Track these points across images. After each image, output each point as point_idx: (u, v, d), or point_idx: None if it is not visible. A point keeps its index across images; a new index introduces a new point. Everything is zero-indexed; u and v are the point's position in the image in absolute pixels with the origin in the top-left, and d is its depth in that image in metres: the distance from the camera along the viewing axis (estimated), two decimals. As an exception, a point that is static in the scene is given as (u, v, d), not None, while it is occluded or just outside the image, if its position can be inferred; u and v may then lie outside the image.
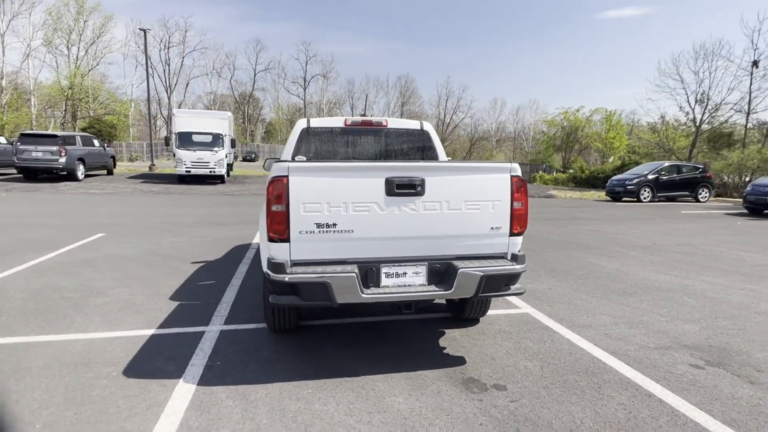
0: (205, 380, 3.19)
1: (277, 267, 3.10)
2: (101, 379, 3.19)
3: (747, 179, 23.00)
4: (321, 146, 4.80)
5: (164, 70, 64.60)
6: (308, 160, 4.68)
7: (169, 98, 65.61)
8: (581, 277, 6.06)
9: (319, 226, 3.12)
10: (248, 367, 3.40)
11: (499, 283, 3.30)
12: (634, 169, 21.76)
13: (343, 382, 3.18)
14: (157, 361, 3.48)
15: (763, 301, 5.10)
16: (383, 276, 3.24)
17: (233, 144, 26.78)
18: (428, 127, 5.08)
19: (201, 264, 6.62)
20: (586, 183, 30.70)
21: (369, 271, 3.21)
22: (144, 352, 3.63)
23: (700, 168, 20.59)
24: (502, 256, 3.42)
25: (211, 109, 60.16)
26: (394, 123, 4.96)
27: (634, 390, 3.08)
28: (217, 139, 23.46)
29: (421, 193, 3.19)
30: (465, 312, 4.28)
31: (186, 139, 22.92)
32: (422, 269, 3.29)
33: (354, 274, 3.08)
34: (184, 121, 23.88)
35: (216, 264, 6.65)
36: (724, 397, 2.99)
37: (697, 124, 30.27)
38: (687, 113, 32.01)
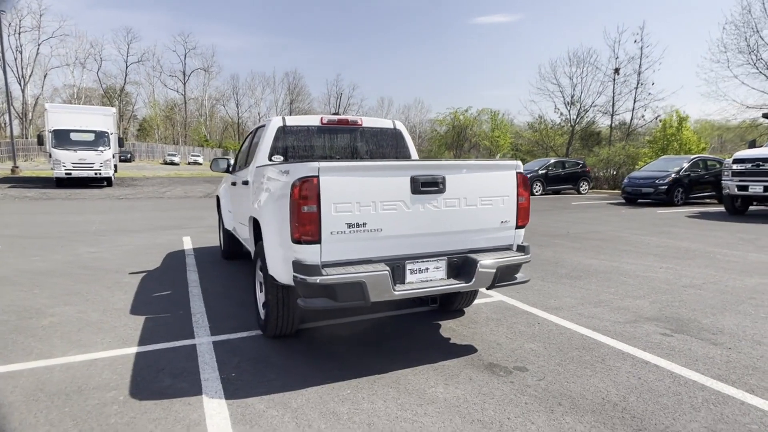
0: (231, 393, 3.01)
1: (308, 269, 3.02)
2: (110, 405, 2.87)
3: (614, 173, 26.27)
4: (298, 145, 4.69)
5: (15, 59, 56.72)
6: (285, 159, 4.57)
7: (23, 91, 57.78)
8: (528, 266, 6.59)
9: (349, 225, 3.10)
10: (267, 376, 3.27)
11: (511, 273, 3.54)
12: (525, 165, 23.79)
13: (376, 380, 3.20)
14: (162, 380, 3.20)
15: (683, 276, 5.97)
16: (408, 272, 3.31)
17: (121, 143, 24.49)
18: (400, 126, 5.19)
19: (141, 274, 6.09)
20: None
21: (396, 268, 3.25)
22: (141, 373, 3.31)
23: (580, 163, 23.09)
24: (509, 248, 3.66)
25: (73, 104, 54.06)
26: (369, 122, 5.00)
27: (632, 359, 3.49)
28: (101, 138, 21.34)
29: (442, 191, 3.31)
30: (454, 304, 4.48)
31: (64, 138, 20.54)
32: (442, 264, 3.41)
33: (387, 272, 3.12)
34: (61, 118, 21.33)
35: (158, 274, 6.15)
36: (702, 357, 3.52)
37: (572, 124, 33.85)
38: (561, 114, 35.67)
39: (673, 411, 2.78)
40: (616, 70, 33.01)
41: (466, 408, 2.82)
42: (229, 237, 6.73)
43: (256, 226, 4.22)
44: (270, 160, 4.56)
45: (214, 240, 8.58)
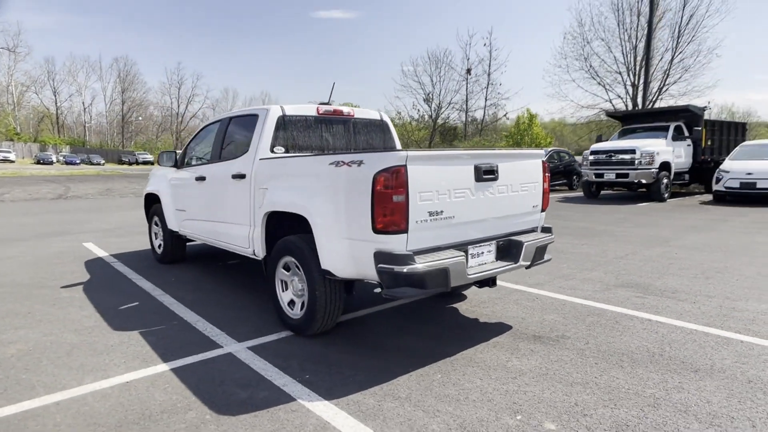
0: (327, 394, 2.88)
1: (396, 259, 3.02)
2: (205, 425, 2.57)
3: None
4: (297, 136, 4.49)
5: None
6: (287, 151, 4.37)
7: None
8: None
9: (431, 214, 3.16)
10: (343, 372, 3.17)
11: (542, 253, 3.91)
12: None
13: (453, 362, 3.31)
14: (234, 392, 2.93)
15: (607, 251, 7.02)
16: (469, 257, 3.47)
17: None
18: (386, 117, 5.25)
19: (77, 287, 5.27)
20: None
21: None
22: (200, 388, 2.97)
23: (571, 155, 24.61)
24: (535, 230, 4.03)
25: None
26: (359, 113, 4.98)
27: (636, 319, 4.11)
28: None
29: (496, 178, 3.53)
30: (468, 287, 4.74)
31: None
32: (492, 247, 3.64)
33: (463, 258, 3.25)
34: None
35: (99, 286, 5.38)
36: (682, 311, 4.29)
37: (433, 119, 36.31)
38: (419, 110, 37.99)
39: (703, 353, 3.39)
40: (468, 71, 36.24)
41: (555, 374, 3.10)
42: (173, 240, 6.08)
43: (279, 222, 3.98)
44: (272, 151, 4.30)
45: (128, 244, 7.63)
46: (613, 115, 18.58)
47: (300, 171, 3.74)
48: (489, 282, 3.83)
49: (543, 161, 3.98)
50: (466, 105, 35.32)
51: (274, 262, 3.97)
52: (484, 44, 33.93)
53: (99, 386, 3.01)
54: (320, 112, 4.62)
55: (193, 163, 5.61)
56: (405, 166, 2.99)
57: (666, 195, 13.75)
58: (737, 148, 14.57)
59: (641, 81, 22.81)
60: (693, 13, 21.45)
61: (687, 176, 15.16)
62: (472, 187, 3.39)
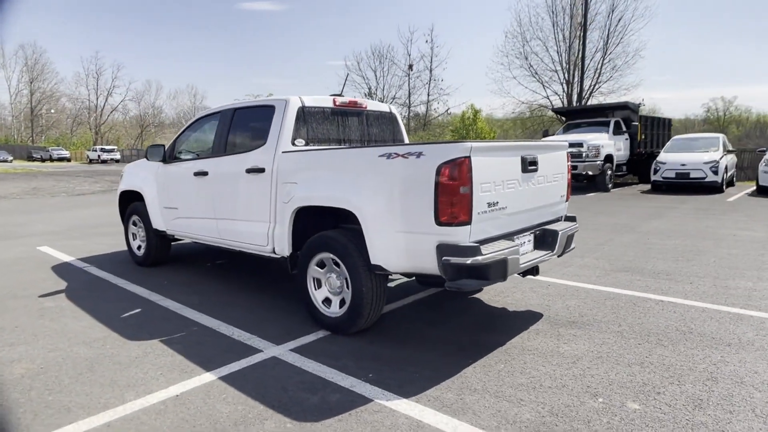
0: (403, 392, 2.80)
1: (462, 250, 2.99)
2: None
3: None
4: (316, 128, 4.32)
5: None
6: (306, 143, 4.21)
7: None
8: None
9: (489, 205, 3.16)
10: (405, 369, 3.10)
11: (571, 241, 4.04)
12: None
13: (506, 351, 3.34)
14: (304, 397, 2.79)
15: (587, 238, 7.35)
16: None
17: None
18: (394, 110, 5.18)
19: (58, 296, 4.81)
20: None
21: None
22: (263, 396, 2.80)
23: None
24: (560, 219, 4.14)
25: None
26: (371, 105, 4.87)
27: (650, 301, 4.35)
28: None
29: (537, 170, 3.60)
30: None
31: None
32: (531, 237, 3.71)
33: (518, 247, 3.29)
34: None
35: (83, 293, 4.94)
36: (685, 291, 4.59)
37: (376, 114, 36.30)
38: None
39: (725, 329, 3.65)
40: (410, 66, 36.59)
41: (608, 356, 3.22)
42: (157, 240, 5.67)
43: (309, 218, 3.82)
44: (293, 144, 4.11)
45: (91, 247, 7.02)
46: (559, 110, 19.54)
47: (342, 164, 3.60)
48: (533, 271, 3.89)
49: (567, 153, 4.10)
50: (409, 100, 35.69)
51: (305, 259, 3.80)
52: (426, 41, 34.28)
53: (147, 402, 2.75)
54: (337, 103, 4.47)
55: (185, 157, 5.24)
56: (469, 157, 2.97)
57: (610, 185, 14.66)
58: (670, 141, 15.81)
59: (576, 79, 24.20)
60: (621, 17, 22.99)
61: (625, 168, 16.24)
62: (519, 178, 3.42)
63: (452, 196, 2.95)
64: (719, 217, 9.16)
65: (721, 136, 15.21)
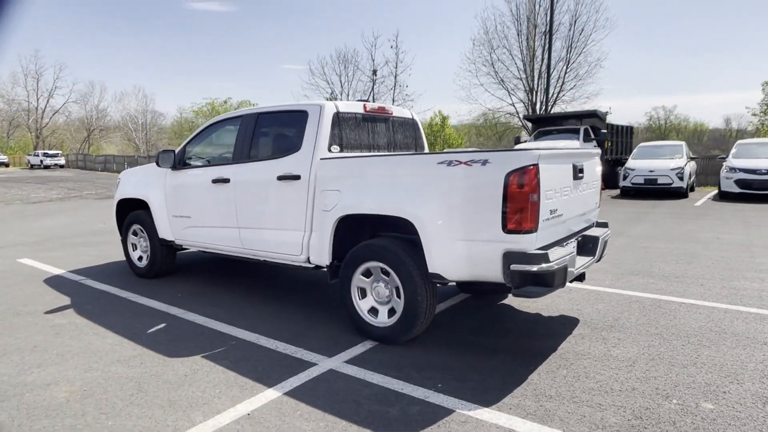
0: (480, 401, 2.79)
1: (528, 258, 3.02)
2: None
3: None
4: (349, 134, 4.25)
5: None
6: (341, 150, 4.15)
7: None
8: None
9: (551, 212, 3.20)
10: (471, 378, 3.09)
11: (606, 247, 4.14)
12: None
13: (562, 357, 3.38)
14: (383, 410, 2.73)
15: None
16: (566, 253, 3.57)
17: None
18: (416, 116, 5.17)
19: (65, 311, 4.52)
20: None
21: None
22: (342, 411, 2.72)
23: None
24: (593, 225, 4.24)
25: None
26: (396, 111, 4.85)
27: (673, 303, 4.51)
28: None
29: (583, 177, 3.68)
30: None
31: None
32: (575, 243, 3.78)
33: (574, 254, 3.34)
34: None
35: (92, 309, 4.68)
36: (700, 294, 4.79)
37: (340, 120, 36.14)
38: None
39: (754, 328, 3.84)
40: (374, 72, 36.64)
41: (661, 358, 3.31)
42: (163, 251, 5.42)
43: (353, 227, 3.76)
44: (329, 150, 4.04)
45: (80, 259, 6.63)
46: (530, 118, 20.09)
47: (395, 171, 3.54)
48: (580, 277, 3.96)
49: (599, 159, 4.22)
50: (373, 106, 35.70)
51: (350, 268, 3.72)
52: (391, 46, 34.41)
53: (219, 423, 2.61)
54: (367, 109, 4.42)
55: (198, 163, 5.04)
56: (537, 165, 3.00)
57: (581, 191, 15.16)
58: (637, 148, 16.55)
59: (542, 88, 25.01)
60: (582, 27, 23.96)
61: (593, 174, 16.84)
62: (572, 185, 3.49)
63: (521, 203, 2.97)
64: (696, 221, 9.65)
65: (683, 143, 16.07)
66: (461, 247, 3.19)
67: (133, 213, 5.66)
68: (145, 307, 4.58)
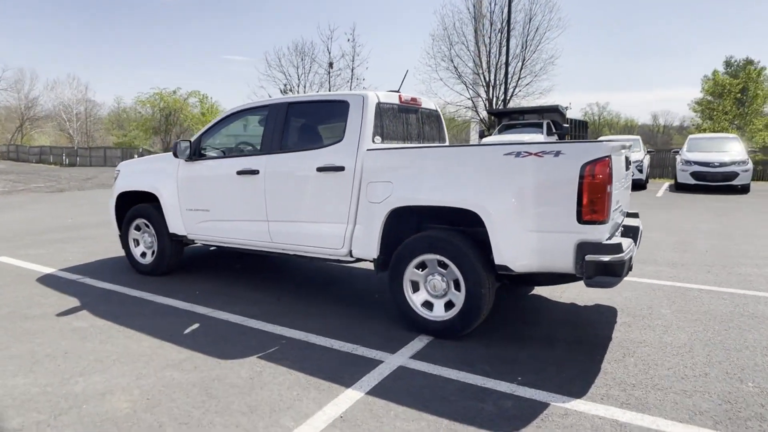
0: (568, 392, 2.79)
1: (601, 248, 3.05)
2: None
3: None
4: (387, 125, 4.14)
5: None
6: (383, 141, 4.05)
7: None
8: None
9: (616, 203, 3.25)
10: (545, 368, 3.10)
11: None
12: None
13: (620, 345, 3.44)
14: (477, 406, 2.68)
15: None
16: (620, 244, 3.64)
17: None
18: (438, 107, 5.11)
19: (75, 313, 4.17)
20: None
21: None
22: (438, 409, 2.65)
23: None
24: (625, 215, 4.35)
25: None
26: (424, 103, 4.77)
27: (693, 290, 4.70)
28: None
29: (629, 168, 3.76)
30: None
31: None
32: (619, 234, 3.86)
33: (633, 244, 3.41)
34: None
35: (108, 309, 4.38)
36: (713, 280, 5.02)
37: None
38: None
39: (779, 312, 4.09)
40: (330, 64, 36.13)
41: (716, 343, 3.44)
42: (173, 246, 5.11)
43: (400, 220, 3.67)
44: (373, 141, 3.92)
45: (65, 255, 6.15)
46: (495, 112, 20.43)
47: (455, 162, 3.47)
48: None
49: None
50: (331, 98, 35.24)
51: (402, 261, 3.63)
52: (348, 39, 34.01)
53: (316, 427, 2.49)
54: (402, 100, 4.32)
55: (217, 155, 4.77)
56: (610, 156, 3.02)
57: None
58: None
59: (497, 83, 25.51)
60: (537, 26, 24.58)
61: (558, 167, 17.42)
62: (623, 177, 3.56)
63: (597, 194, 2.99)
64: (667, 212, 10.17)
65: (639, 138, 16.89)
66: (531, 238, 3.18)
67: (136, 207, 5.29)
68: (166, 307, 4.29)
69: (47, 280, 5.10)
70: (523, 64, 25.70)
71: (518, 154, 3.19)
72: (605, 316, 4.03)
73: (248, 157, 4.49)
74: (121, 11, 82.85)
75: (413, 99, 4.50)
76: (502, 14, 25.68)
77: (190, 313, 4.14)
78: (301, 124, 4.35)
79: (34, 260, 5.94)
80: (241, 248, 4.68)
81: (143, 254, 5.36)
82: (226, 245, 4.78)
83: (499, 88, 26.18)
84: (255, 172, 4.34)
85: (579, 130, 19.81)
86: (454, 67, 26.28)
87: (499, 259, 3.26)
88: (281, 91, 37.23)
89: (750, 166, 13.43)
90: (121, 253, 6.09)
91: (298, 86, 35.31)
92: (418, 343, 3.51)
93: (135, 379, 2.96)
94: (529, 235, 3.18)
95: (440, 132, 5.03)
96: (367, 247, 3.82)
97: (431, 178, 3.52)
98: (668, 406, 2.64)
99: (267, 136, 4.37)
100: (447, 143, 5.14)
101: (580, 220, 3.03)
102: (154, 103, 43.71)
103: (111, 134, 56.23)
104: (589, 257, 3.03)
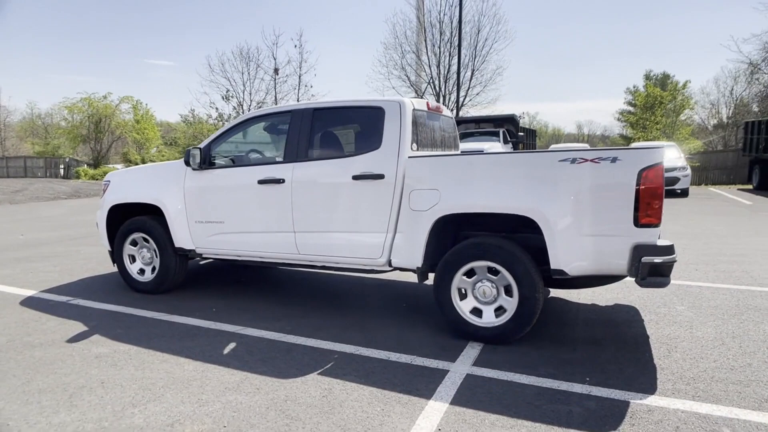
0: (639, 389, 2.90)
1: (656, 250, 3.19)
2: None
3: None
4: (420, 132, 4.13)
5: None
6: (418, 148, 4.05)
7: None
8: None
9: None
10: (605, 370, 3.19)
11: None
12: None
13: (665, 342, 3.62)
14: (562, 409, 2.72)
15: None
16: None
17: None
18: (452, 113, 5.16)
19: (87, 339, 3.85)
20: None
21: None
22: (530, 414, 2.67)
23: None
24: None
25: None
26: (444, 110, 4.80)
27: (696, 288, 5.03)
28: None
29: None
30: None
31: None
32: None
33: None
34: None
35: (122, 333, 4.05)
36: (720, 278, 5.41)
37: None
38: (217, 109, 34.85)
39: (778, 304, 4.45)
40: (276, 71, 35.53)
41: (739, 334, 3.68)
42: (178, 261, 4.81)
43: (445, 227, 3.67)
44: (410, 149, 3.89)
45: (39, 276, 5.61)
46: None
47: (507, 169, 3.50)
48: None
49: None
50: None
51: (450, 269, 3.62)
52: (295, 45, 33.68)
53: None
54: (429, 107, 4.34)
55: (226, 163, 4.56)
56: (662, 162, 3.18)
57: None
58: (550, 149, 18.09)
59: (447, 92, 26.17)
60: (486, 38, 25.52)
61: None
62: (659, 183, 3.75)
63: (652, 199, 3.13)
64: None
65: (586, 146, 17.90)
66: (587, 242, 3.27)
67: (133, 220, 4.92)
68: (187, 326, 4.02)
69: (33, 304, 4.63)
70: (472, 74, 26.53)
71: (573, 161, 3.28)
72: (629, 315, 4.22)
73: (271, 165, 4.32)
74: (32, 14, 77.05)
75: (437, 107, 4.52)
76: (452, 24, 26.43)
77: (218, 332, 3.90)
78: (329, 131, 4.24)
79: (6, 282, 5.36)
80: (258, 262, 4.48)
81: (141, 271, 4.99)
82: (241, 259, 4.56)
83: (449, 98, 26.86)
84: (280, 181, 4.18)
85: (530, 138, 20.70)
86: (407, 75, 26.70)
87: (555, 263, 3.33)
88: (223, 97, 36.07)
89: (689, 171, 14.57)
90: (103, 270, 5.69)
91: (243, 92, 34.45)
92: (471, 350, 3.50)
93: (198, 407, 2.74)
94: (584, 239, 3.28)
95: (455, 140, 5.09)
96: (409, 256, 3.78)
97: (484, 186, 3.54)
98: (734, 396, 2.79)
99: (291, 143, 4.22)
100: (460, 150, 5.20)
101: (637, 223, 3.16)
102: (81, 109, 40.95)
103: (25, 142, 52.00)
104: (645, 259, 3.16)
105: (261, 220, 4.33)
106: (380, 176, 3.82)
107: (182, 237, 4.66)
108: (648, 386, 2.93)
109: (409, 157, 3.79)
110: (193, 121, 37.21)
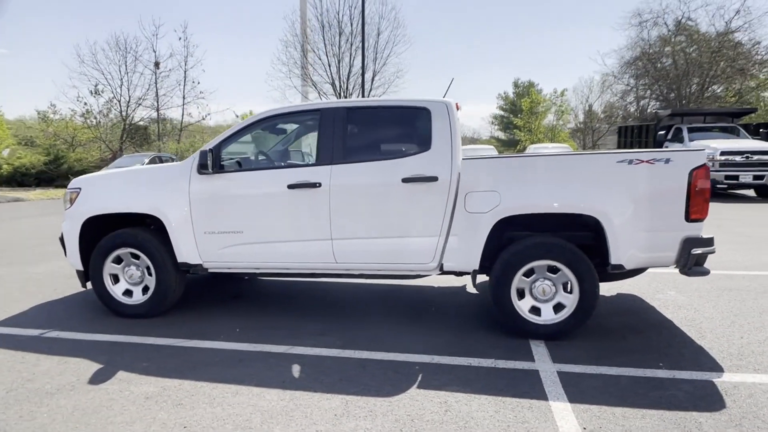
0: (734, 367, 3.21)
1: (703, 242, 3.55)
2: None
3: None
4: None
5: None
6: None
7: None
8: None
9: (697, 204, 3.79)
10: (659, 353, 3.48)
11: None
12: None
13: (683, 320, 4.03)
14: (681, 387, 2.91)
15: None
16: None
17: None
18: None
19: (112, 379, 3.31)
20: (12, 180, 25.92)
21: None
22: (653, 400, 2.82)
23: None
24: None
25: None
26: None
27: (675, 274, 5.67)
28: None
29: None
30: None
31: None
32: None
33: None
34: None
35: (145, 365, 3.55)
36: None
37: (123, 117, 31.13)
38: (85, 104, 31.03)
39: (758, 284, 5.17)
40: (156, 64, 32.74)
41: (745, 316, 4.21)
42: (177, 279, 4.25)
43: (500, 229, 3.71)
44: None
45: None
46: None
47: (568, 171, 3.62)
48: None
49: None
50: (157, 102, 31.89)
51: (511, 270, 3.66)
52: (179, 38, 31.36)
53: (575, 444, 2.42)
54: (458, 107, 4.33)
55: (232, 167, 4.15)
56: (706, 163, 3.55)
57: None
58: (528, 150, 19.10)
59: (352, 93, 26.25)
60: (387, 40, 26.08)
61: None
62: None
63: (702, 196, 3.48)
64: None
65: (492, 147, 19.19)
66: (642, 237, 3.53)
67: (119, 233, 4.22)
68: (225, 351, 3.57)
69: (9, 343, 3.75)
70: (374, 76, 26.93)
71: (630, 162, 3.51)
72: (638, 303, 4.62)
73: (301, 168, 3.99)
74: None
75: (458, 106, 4.53)
76: (351, 24, 26.57)
77: (267, 354, 3.52)
78: (368, 132, 4.04)
79: None
80: (279, 274, 4.12)
81: (127, 292, 4.30)
82: (263, 271, 4.15)
83: (350, 98, 26.95)
84: (316, 185, 3.88)
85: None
86: (309, 75, 26.24)
87: (615, 259, 3.53)
88: (91, 92, 32.22)
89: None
90: (54, 295, 4.88)
91: (121, 87, 31.08)
92: (538, 348, 3.58)
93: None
94: (641, 234, 3.53)
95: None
96: (465, 258, 3.75)
97: (546, 187, 3.63)
98: (786, 366, 3.21)
99: (325, 144, 3.94)
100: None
101: (688, 218, 3.47)
102: None
103: None
104: (695, 250, 3.49)
105: (291, 228, 3.98)
106: (433, 178, 3.73)
107: (187, 250, 4.11)
108: (714, 365, 3.24)
109: (464, 158, 3.75)
110: (55, 118, 32.79)
